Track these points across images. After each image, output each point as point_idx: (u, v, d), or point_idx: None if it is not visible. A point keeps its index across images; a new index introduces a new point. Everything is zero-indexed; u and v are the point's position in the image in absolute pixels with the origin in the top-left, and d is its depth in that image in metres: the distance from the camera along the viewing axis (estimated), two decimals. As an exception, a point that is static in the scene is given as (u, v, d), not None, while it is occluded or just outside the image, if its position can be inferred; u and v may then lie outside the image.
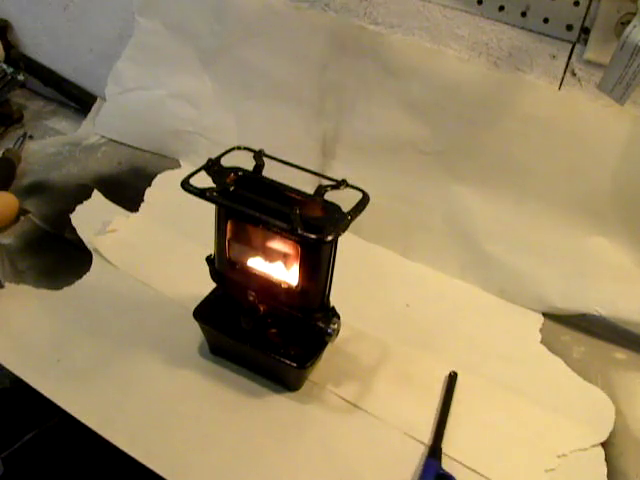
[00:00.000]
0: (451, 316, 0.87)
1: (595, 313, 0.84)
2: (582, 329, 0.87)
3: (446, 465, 0.67)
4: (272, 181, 0.69)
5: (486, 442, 0.70)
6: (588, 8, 0.76)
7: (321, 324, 0.69)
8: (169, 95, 1.10)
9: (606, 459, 0.70)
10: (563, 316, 0.87)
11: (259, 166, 0.69)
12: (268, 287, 0.68)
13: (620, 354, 0.84)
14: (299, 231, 0.60)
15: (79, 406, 0.69)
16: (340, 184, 0.67)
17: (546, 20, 0.79)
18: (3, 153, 1.06)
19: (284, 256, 0.69)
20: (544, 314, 0.89)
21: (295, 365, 0.69)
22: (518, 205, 0.88)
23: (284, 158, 0.70)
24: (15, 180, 1.04)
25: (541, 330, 0.86)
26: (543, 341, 0.85)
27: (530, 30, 0.81)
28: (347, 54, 0.93)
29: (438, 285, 0.93)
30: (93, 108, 1.22)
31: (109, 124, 1.18)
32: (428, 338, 0.83)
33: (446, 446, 0.69)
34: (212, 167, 0.67)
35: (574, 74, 0.80)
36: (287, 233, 0.62)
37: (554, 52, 0.80)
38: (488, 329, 0.86)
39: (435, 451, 0.68)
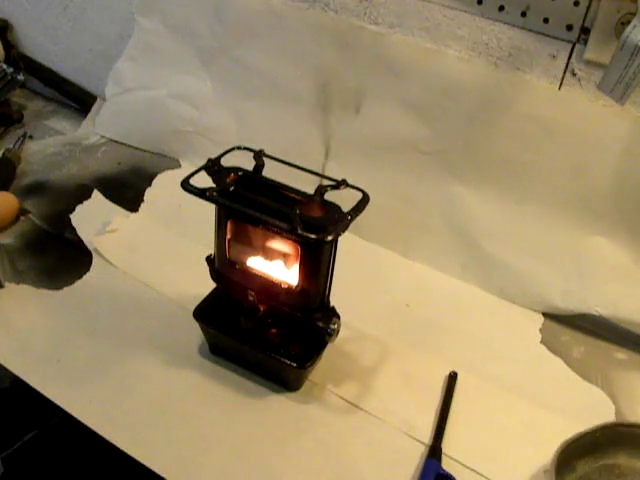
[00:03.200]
0: (451, 316, 0.87)
1: (595, 313, 0.84)
2: (582, 329, 0.87)
3: (446, 465, 0.67)
4: (272, 181, 0.69)
5: (486, 442, 0.70)
6: (588, 8, 0.76)
7: (321, 324, 0.69)
8: (169, 95, 1.10)
9: (606, 459, 0.70)
10: (563, 316, 0.87)
11: (259, 166, 0.69)
12: (268, 287, 0.68)
13: (620, 354, 0.84)
14: (299, 231, 0.60)
15: (79, 406, 0.69)
16: (340, 184, 0.67)
17: (546, 20, 0.79)
18: (3, 153, 1.06)
19: (284, 256, 0.69)
20: (544, 314, 0.89)
21: (295, 365, 0.69)
22: (518, 205, 0.88)
23: (284, 158, 0.70)
24: (15, 180, 1.04)
25: (541, 330, 0.86)
26: (543, 341, 0.85)
27: (530, 30, 0.81)
28: (347, 54, 0.93)
29: (438, 285, 0.93)
30: (93, 108, 1.22)
31: (109, 124, 1.18)
32: (428, 338, 0.83)
33: (446, 446, 0.69)
34: (212, 167, 0.67)
35: (574, 74, 0.80)
36: (287, 233, 0.62)
37: (554, 52, 0.80)
38: (488, 329, 0.86)
39: (435, 451, 0.68)
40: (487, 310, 0.89)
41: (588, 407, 0.75)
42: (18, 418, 0.93)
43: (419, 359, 0.80)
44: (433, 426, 0.71)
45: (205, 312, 0.74)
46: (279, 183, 0.69)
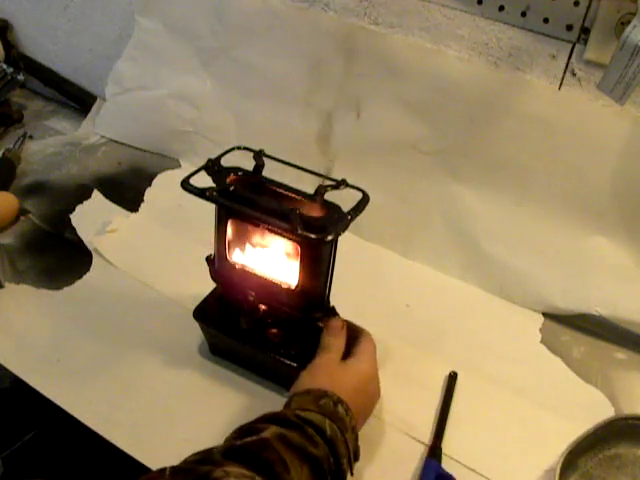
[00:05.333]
0: (451, 316, 0.87)
1: (595, 313, 0.84)
2: (582, 329, 0.87)
3: (446, 465, 0.67)
4: (272, 181, 0.69)
5: (486, 442, 0.70)
6: (588, 8, 0.76)
7: (321, 324, 0.69)
8: (169, 95, 1.10)
9: (606, 459, 0.70)
10: (563, 316, 0.87)
11: (259, 166, 0.69)
12: (268, 287, 0.68)
13: (620, 354, 0.84)
14: (299, 231, 0.60)
15: (79, 406, 0.69)
16: (340, 184, 0.67)
17: (546, 20, 0.79)
18: (3, 153, 1.06)
19: (284, 256, 0.69)
20: (544, 314, 0.89)
21: (295, 365, 0.69)
22: (518, 205, 0.88)
23: (284, 158, 0.70)
24: (15, 180, 1.04)
25: (541, 330, 0.86)
26: (543, 341, 0.85)
27: (530, 30, 0.81)
28: (347, 54, 0.93)
29: (438, 285, 0.92)
30: (93, 108, 1.22)
31: (109, 124, 1.18)
32: (428, 338, 0.83)
33: (446, 446, 0.69)
34: (212, 167, 0.67)
35: (574, 74, 0.80)
36: (287, 233, 0.62)
37: (554, 52, 0.80)
38: (488, 329, 0.86)
39: (435, 451, 0.68)
40: (487, 310, 0.89)
41: (587, 407, 0.75)
42: (18, 418, 0.93)
43: (419, 359, 0.80)
44: (433, 426, 0.71)
45: (205, 312, 0.74)
46: (279, 183, 0.69)
